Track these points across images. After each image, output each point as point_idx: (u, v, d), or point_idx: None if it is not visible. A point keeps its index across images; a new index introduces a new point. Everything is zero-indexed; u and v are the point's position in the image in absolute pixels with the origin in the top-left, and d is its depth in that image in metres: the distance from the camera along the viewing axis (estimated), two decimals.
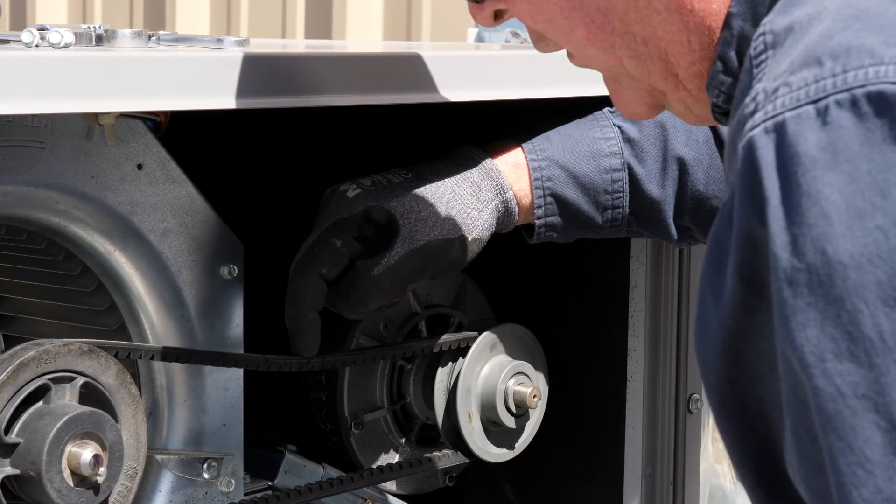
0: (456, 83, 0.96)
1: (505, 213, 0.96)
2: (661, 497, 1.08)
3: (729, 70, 0.67)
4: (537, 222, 0.97)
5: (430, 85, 0.93)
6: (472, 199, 0.95)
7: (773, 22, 0.59)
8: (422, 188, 0.94)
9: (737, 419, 0.60)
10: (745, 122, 0.55)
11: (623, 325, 1.13)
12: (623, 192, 0.99)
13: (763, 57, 0.58)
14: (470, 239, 0.94)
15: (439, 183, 0.95)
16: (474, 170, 0.96)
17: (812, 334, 0.51)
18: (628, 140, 1.00)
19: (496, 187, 0.95)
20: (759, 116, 0.54)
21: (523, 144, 0.98)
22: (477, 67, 1.02)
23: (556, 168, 0.97)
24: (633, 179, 0.99)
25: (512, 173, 0.97)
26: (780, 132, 0.52)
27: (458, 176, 0.96)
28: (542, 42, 0.75)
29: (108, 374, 0.85)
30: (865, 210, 0.50)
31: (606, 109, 1.00)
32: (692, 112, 0.74)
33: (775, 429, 0.57)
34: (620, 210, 1.00)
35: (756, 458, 0.60)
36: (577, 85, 1.01)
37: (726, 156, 0.61)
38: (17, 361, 0.81)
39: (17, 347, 0.83)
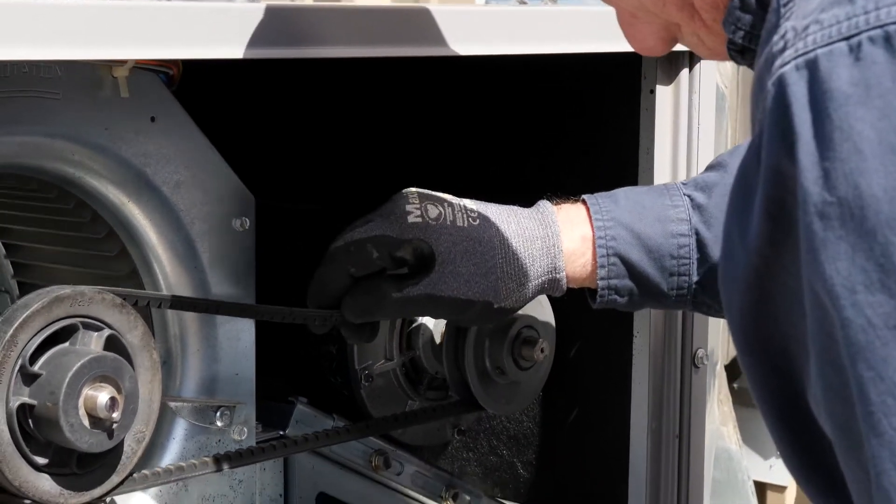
0: (462, 37, 0.96)
1: (550, 288, 0.96)
2: (666, 450, 1.09)
3: (746, 6, 0.67)
4: (600, 283, 0.95)
5: (436, 39, 0.94)
6: (520, 271, 0.95)
7: None
8: (477, 243, 0.94)
9: (760, 357, 0.62)
10: (773, 59, 0.56)
11: None
12: (690, 258, 0.98)
13: (782, 3, 0.58)
14: (495, 307, 0.94)
15: (497, 244, 0.94)
16: (538, 240, 0.95)
17: (843, 267, 0.52)
18: (697, 207, 0.99)
19: (550, 266, 0.95)
20: (789, 54, 0.54)
21: (590, 205, 0.97)
22: (484, 22, 1.01)
23: (620, 228, 0.96)
24: (701, 245, 0.99)
25: (577, 245, 0.97)
26: (811, 69, 0.53)
27: (519, 242, 0.95)
28: None
29: (135, 334, 0.87)
30: None
31: (679, 182, 1.00)
32: (705, 45, 0.74)
33: (798, 365, 0.59)
34: (686, 278, 0.99)
35: (778, 396, 0.62)
36: (584, 42, 1.03)
37: (752, 95, 0.61)
38: (54, 295, 0.83)
39: (55, 286, 0.86)
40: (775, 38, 0.55)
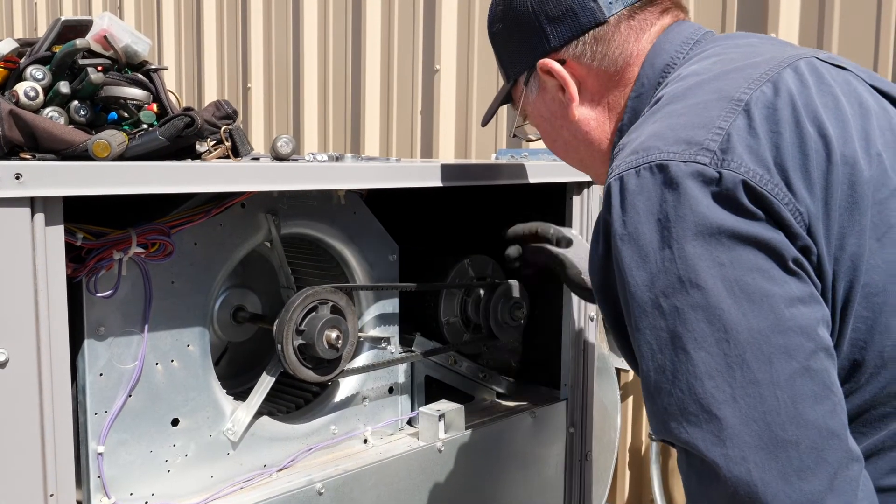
0: (489, 176, 1.40)
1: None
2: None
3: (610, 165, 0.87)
4: None
5: (475, 176, 1.38)
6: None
7: (622, 141, 0.84)
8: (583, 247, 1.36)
9: (605, 297, 0.84)
10: (609, 176, 0.80)
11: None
12: None
13: (616, 153, 0.83)
14: (582, 275, 1.36)
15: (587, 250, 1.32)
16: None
17: (627, 257, 0.75)
18: None
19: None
20: (614, 174, 0.78)
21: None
22: (494, 169, 1.45)
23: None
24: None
25: None
26: (621, 179, 0.77)
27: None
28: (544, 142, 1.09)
29: (344, 304, 1.28)
30: (652, 211, 0.73)
31: None
32: (589, 178, 1.19)
33: (618, 301, 0.81)
34: None
35: (613, 316, 0.84)
36: (546, 177, 1.51)
37: (604, 192, 0.83)
38: (309, 292, 1.24)
39: (309, 287, 1.25)
40: (609, 171, 0.81)
